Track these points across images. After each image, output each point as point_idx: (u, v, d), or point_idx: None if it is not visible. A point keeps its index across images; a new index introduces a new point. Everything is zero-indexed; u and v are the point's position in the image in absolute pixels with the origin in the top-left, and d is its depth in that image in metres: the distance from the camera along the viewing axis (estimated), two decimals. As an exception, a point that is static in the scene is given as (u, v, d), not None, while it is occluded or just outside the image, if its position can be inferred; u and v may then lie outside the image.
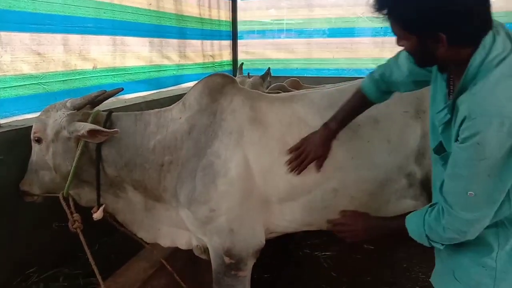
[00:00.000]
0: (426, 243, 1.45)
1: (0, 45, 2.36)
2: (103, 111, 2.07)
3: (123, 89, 2.18)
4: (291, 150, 1.88)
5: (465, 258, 1.41)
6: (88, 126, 1.86)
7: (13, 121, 2.42)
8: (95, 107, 2.12)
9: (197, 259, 2.25)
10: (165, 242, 2.20)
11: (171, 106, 2.12)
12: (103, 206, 2.04)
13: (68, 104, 1.99)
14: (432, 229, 1.39)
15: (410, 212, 2.08)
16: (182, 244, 2.19)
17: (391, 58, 1.70)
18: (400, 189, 2.00)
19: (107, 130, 1.86)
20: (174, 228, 2.14)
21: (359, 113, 1.84)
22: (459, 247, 1.39)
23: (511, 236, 1.32)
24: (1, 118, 2.34)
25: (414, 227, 1.49)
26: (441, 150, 1.38)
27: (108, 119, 2.02)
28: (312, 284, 3.13)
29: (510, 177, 1.17)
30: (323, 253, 3.53)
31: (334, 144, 1.91)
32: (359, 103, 1.82)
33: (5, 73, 2.41)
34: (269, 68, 3.93)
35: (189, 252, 2.23)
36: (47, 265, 1.91)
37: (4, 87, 2.41)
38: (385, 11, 1.26)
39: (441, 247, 1.41)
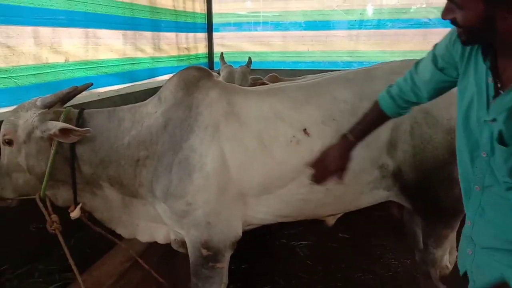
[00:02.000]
0: None
1: (-33, 38, 2.31)
2: (75, 108, 2.04)
3: (92, 84, 2.15)
4: (311, 165, 1.71)
5: None
6: (60, 125, 1.82)
7: (-18, 115, 2.36)
8: (66, 103, 2.08)
9: (173, 253, 2.27)
10: (144, 237, 2.20)
11: (146, 101, 2.11)
12: (80, 204, 2.01)
13: (38, 103, 1.94)
14: None
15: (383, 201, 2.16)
16: (160, 239, 2.20)
17: (409, 71, 1.54)
18: (373, 181, 2.06)
19: (79, 129, 1.82)
20: (151, 223, 2.14)
21: (378, 126, 1.68)
22: None
23: None
24: (-30, 113, 2.28)
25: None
26: (503, 141, 1.14)
27: (80, 116, 1.98)
28: (288, 272, 3.20)
29: None
30: (299, 243, 3.60)
31: (309, 139, 1.95)
32: (377, 118, 1.66)
33: (-27, 67, 2.35)
34: (249, 58, 3.93)
35: (165, 246, 2.24)
36: (21, 261, 1.88)
37: (-27, 81, 2.35)
38: None
39: None
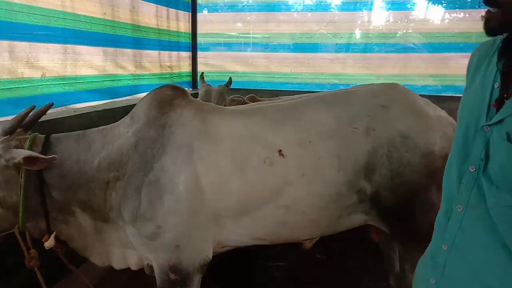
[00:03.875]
0: None
1: None
2: (48, 128, 1.99)
3: (53, 104, 2.09)
4: None
5: None
6: (24, 153, 1.74)
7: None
8: (30, 127, 2.01)
9: (139, 276, 2.21)
10: (118, 264, 2.13)
11: (118, 122, 2.07)
12: (54, 233, 1.94)
13: None
14: None
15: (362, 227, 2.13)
16: (133, 264, 2.13)
17: None
18: (351, 205, 2.04)
19: (44, 157, 1.75)
20: (124, 249, 2.08)
21: None
22: None
23: None
24: None
25: None
26: None
27: (47, 142, 1.91)
28: (262, 294, 3.15)
29: None
30: (276, 263, 3.56)
31: (284, 161, 1.94)
32: None
33: None
34: (230, 78, 3.97)
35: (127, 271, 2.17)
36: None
37: None
38: None
39: None
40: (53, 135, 1.97)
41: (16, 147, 1.82)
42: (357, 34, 5.23)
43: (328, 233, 2.18)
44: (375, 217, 2.10)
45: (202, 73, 4.26)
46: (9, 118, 2.53)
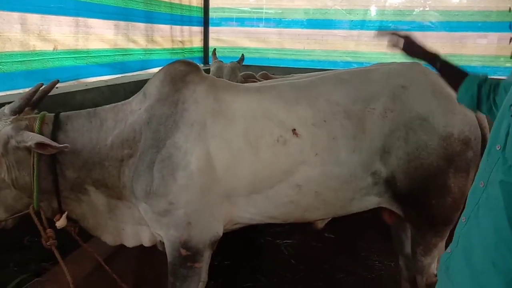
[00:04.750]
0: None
1: (-48, 22, 2.27)
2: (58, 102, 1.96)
3: (58, 81, 2.04)
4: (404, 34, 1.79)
5: None
6: (36, 138, 1.72)
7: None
8: (37, 105, 1.97)
9: (151, 251, 2.23)
10: (130, 242, 2.13)
11: (130, 99, 2.04)
12: (66, 213, 1.93)
13: (6, 111, 1.83)
14: None
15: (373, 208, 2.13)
16: (145, 241, 2.13)
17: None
18: (365, 187, 2.02)
19: (57, 145, 1.72)
20: (137, 226, 2.08)
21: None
22: None
23: None
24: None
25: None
26: None
27: (57, 120, 1.87)
28: (271, 271, 3.19)
29: None
30: (284, 241, 3.60)
31: (298, 140, 1.92)
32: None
33: (-42, 51, 2.32)
34: (242, 55, 3.92)
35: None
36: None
37: (-44, 66, 2.32)
38: None
39: None
40: (62, 113, 1.93)
41: (26, 127, 1.80)
42: (373, 11, 5.11)
43: (340, 214, 2.18)
44: (389, 200, 2.08)
45: (215, 49, 4.20)
46: (21, 91, 2.56)
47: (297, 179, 1.95)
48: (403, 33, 1.78)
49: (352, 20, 5.17)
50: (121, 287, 2.11)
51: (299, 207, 2.04)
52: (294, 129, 1.93)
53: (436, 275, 2.20)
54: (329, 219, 2.49)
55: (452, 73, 1.66)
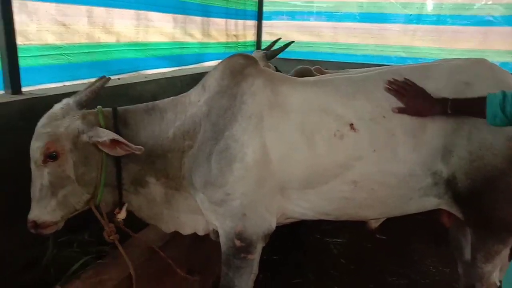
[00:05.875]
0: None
1: (27, 15, 2.40)
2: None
3: (110, 79, 1.99)
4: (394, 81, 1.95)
5: None
6: (112, 135, 1.74)
7: (34, 89, 2.46)
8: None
9: (201, 239, 2.27)
10: (185, 230, 2.17)
11: (188, 92, 2.09)
12: (126, 205, 1.97)
13: (73, 104, 1.84)
14: None
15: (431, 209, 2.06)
16: (200, 230, 2.18)
17: None
18: (424, 187, 1.95)
19: (132, 146, 1.74)
20: (192, 215, 2.13)
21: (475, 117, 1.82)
22: None
23: None
24: (24, 86, 2.38)
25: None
26: None
27: (116, 116, 1.90)
28: (319, 268, 3.15)
29: None
30: (333, 239, 3.54)
31: (355, 135, 1.88)
32: (478, 114, 1.76)
33: (31, 42, 2.45)
34: (273, 42, 3.85)
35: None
36: (61, 231, 1.95)
37: (29, 56, 2.46)
38: None
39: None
40: (119, 108, 1.96)
41: (91, 122, 1.83)
42: (430, 4, 4.90)
43: (396, 214, 2.11)
44: (448, 202, 1.99)
45: (277, 40, 4.07)
46: (86, 81, 2.68)
47: (353, 175, 1.91)
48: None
49: (408, 14, 4.98)
50: (175, 271, 2.16)
51: (354, 204, 2.00)
52: (352, 124, 1.90)
53: (496, 284, 2.09)
54: (384, 219, 2.41)
55: (469, 103, 1.78)
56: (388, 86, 1.94)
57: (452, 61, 2.15)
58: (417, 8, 4.93)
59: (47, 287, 1.97)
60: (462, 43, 4.77)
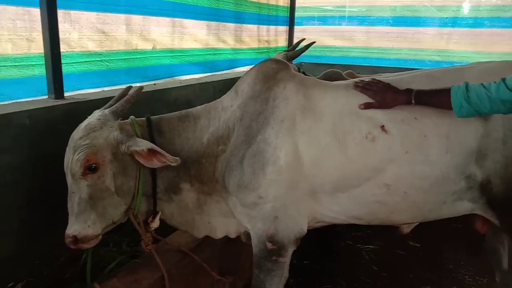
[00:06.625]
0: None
1: (69, 23, 2.53)
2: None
3: (143, 88, 2.02)
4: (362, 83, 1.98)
5: None
6: (150, 145, 1.75)
7: (75, 94, 2.58)
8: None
9: (233, 242, 2.29)
10: (217, 234, 2.18)
11: (221, 98, 2.12)
12: (160, 213, 2.00)
13: (109, 115, 1.84)
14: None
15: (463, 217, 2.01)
16: (231, 233, 2.20)
17: (497, 85, 1.64)
18: (458, 191, 1.92)
19: (168, 157, 1.74)
20: (223, 218, 2.15)
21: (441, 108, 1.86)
22: None
23: None
24: (66, 92, 2.49)
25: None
26: None
27: (150, 125, 1.92)
28: (351, 275, 3.11)
29: None
30: (365, 246, 3.49)
31: (387, 137, 1.87)
32: (444, 105, 1.80)
33: (73, 49, 2.58)
34: (297, 42, 3.83)
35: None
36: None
37: (71, 63, 2.59)
38: None
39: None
40: (152, 117, 1.99)
41: (128, 132, 1.85)
42: (466, 7, 4.80)
43: (429, 219, 2.07)
44: (483, 207, 1.95)
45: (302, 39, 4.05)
46: (124, 87, 2.77)
47: (386, 178, 1.90)
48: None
49: (444, 17, 4.88)
50: (208, 273, 2.20)
51: (386, 208, 1.98)
52: (383, 126, 1.88)
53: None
54: (416, 224, 2.37)
55: (433, 94, 1.83)
56: (354, 85, 1.99)
57: (486, 63, 2.12)
58: (453, 11, 4.83)
59: (85, 283, 2.06)
60: (500, 46, 4.64)
